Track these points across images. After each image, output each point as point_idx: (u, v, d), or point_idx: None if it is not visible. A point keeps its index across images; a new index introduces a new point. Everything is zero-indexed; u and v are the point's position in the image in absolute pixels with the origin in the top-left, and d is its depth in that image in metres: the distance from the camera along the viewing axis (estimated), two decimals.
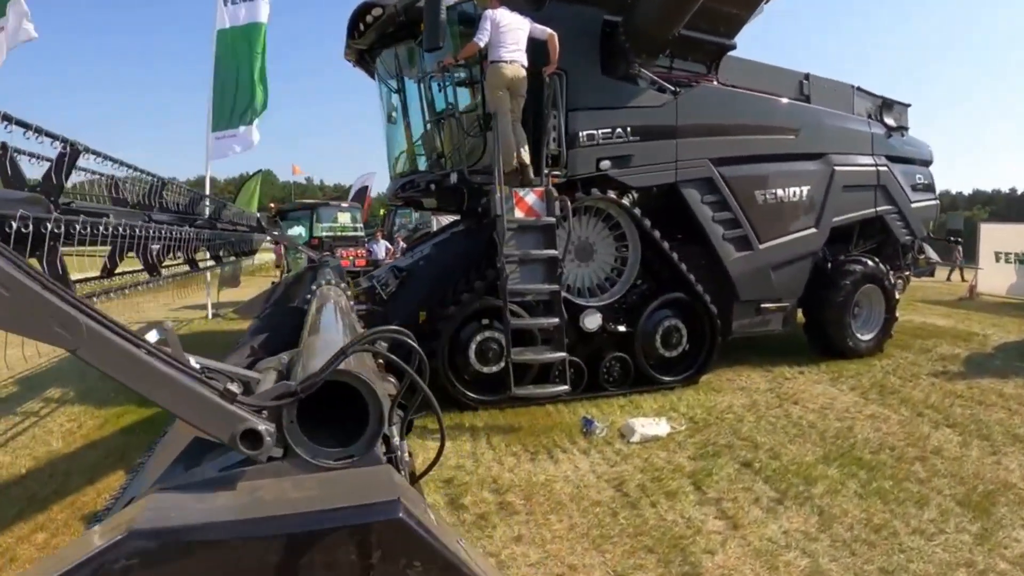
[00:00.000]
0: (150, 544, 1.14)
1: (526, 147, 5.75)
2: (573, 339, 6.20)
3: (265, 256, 18.15)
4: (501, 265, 5.34)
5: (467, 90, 6.23)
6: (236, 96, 10.58)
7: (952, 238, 9.54)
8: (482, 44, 5.53)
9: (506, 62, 5.55)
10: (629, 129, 6.27)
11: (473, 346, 5.84)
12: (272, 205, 20.93)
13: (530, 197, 5.56)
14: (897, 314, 7.96)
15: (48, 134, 2.82)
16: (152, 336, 1.52)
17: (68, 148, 2.89)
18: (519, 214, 5.51)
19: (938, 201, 8.78)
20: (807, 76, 7.83)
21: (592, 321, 6.14)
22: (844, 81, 8.19)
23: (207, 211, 6.78)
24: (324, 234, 14.70)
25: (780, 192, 7.06)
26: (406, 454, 1.68)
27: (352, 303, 5.69)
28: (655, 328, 6.41)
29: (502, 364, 5.63)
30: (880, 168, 7.90)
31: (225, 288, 12.49)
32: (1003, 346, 8.39)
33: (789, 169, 7.15)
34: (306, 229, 15.10)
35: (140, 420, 5.59)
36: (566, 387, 5.55)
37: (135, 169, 4.23)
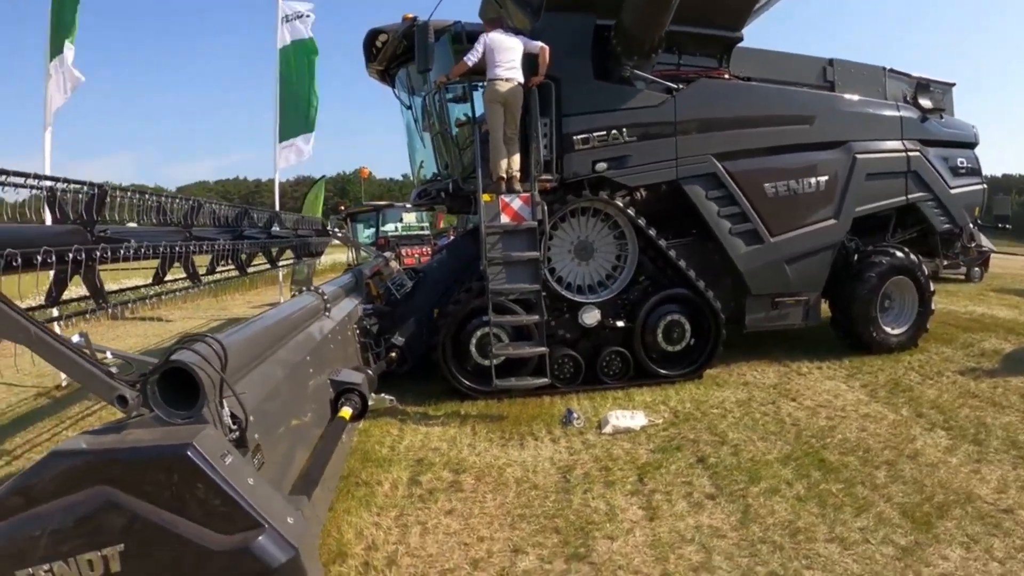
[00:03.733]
0: (63, 461, 2.07)
1: (517, 157, 6.10)
2: (577, 334, 6.53)
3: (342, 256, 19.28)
4: (484, 268, 5.78)
5: (462, 105, 6.64)
6: (297, 108, 11.69)
7: (1000, 224, 8.76)
8: (471, 63, 5.95)
9: (502, 79, 5.93)
10: (625, 130, 6.43)
11: (474, 340, 6.32)
12: (342, 208, 22.33)
13: (516, 203, 5.91)
14: (934, 306, 7.57)
15: (78, 182, 3.65)
16: (75, 338, 2.49)
17: (97, 190, 3.71)
18: (505, 219, 5.88)
19: (985, 185, 8.18)
20: (831, 62, 7.59)
21: (590, 317, 6.41)
22: (875, 64, 7.84)
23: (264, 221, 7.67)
24: (390, 234, 15.61)
25: (793, 184, 6.93)
26: (228, 419, 2.48)
27: (360, 303, 6.35)
28: (657, 323, 6.56)
29: (500, 358, 6.05)
30: (911, 153, 7.51)
31: (300, 290, 13.50)
32: None
33: (803, 159, 7.00)
34: (374, 229, 16.11)
35: None
36: (545, 379, 5.86)
37: (166, 196, 5.10)
